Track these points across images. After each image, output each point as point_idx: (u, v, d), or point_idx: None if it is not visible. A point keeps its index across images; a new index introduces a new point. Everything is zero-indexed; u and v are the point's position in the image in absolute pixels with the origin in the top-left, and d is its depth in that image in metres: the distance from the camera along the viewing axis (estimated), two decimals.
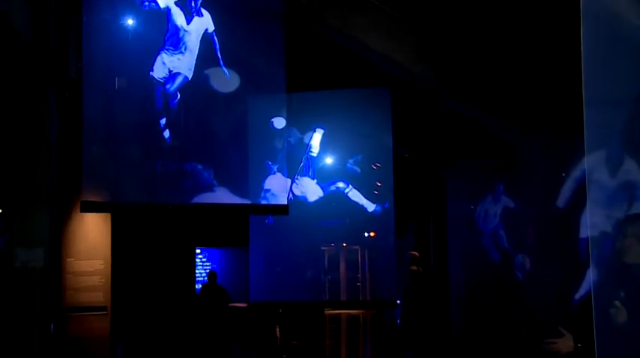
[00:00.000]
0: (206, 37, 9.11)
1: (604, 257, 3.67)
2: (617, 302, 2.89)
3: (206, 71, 9.19)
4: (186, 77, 9.05)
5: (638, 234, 3.02)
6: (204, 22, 9.11)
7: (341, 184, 10.64)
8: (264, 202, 9.46)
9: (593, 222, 3.65)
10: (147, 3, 8.85)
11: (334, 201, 10.70)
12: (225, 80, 9.31)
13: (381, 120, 10.53)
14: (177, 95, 9.10)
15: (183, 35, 9.02)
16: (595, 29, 3.63)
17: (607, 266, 3.66)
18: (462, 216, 11.83)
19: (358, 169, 10.60)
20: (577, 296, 7.17)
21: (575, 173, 7.64)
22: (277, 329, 10.53)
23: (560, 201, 7.98)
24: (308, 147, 10.59)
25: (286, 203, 9.56)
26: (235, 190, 9.28)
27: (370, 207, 10.56)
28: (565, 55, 4.72)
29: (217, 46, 9.13)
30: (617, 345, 3.52)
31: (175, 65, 9.02)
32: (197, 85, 9.16)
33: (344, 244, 10.70)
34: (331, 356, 9.83)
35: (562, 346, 3.27)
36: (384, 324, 11.17)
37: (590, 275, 3.62)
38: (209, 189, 9.18)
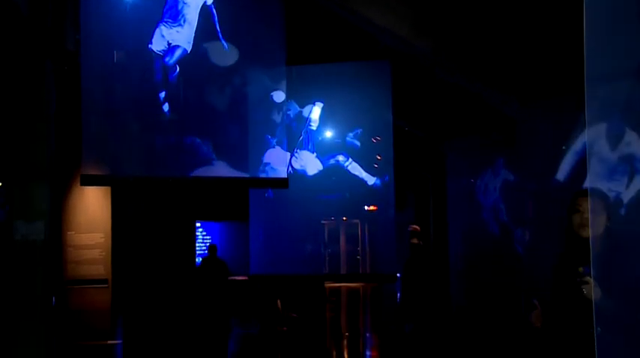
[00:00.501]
0: (205, 10, 9.04)
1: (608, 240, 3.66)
2: (588, 278, 2.95)
3: (205, 44, 9.13)
4: (185, 50, 8.99)
5: (594, 209, 3.02)
6: None
7: (341, 158, 10.62)
8: (263, 176, 9.45)
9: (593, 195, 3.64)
10: None
11: (334, 174, 10.69)
12: (225, 53, 9.25)
13: (381, 94, 10.48)
14: (176, 68, 9.05)
15: (182, 7, 8.95)
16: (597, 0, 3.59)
17: (606, 239, 3.65)
18: (462, 190, 11.83)
19: (358, 143, 10.57)
20: None
21: (576, 146, 7.62)
22: (279, 302, 10.56)
23: (561, 175, 7.97)
24: (307, 120, 10.55)
25: (286, 176, 9.54)
26: (235, 163, 9.26)
27: (370, 180, 10.56)
28: (567, 28, 4.68)
29: (216, 19, 9.06)
30: (616, 318, 3.52)
31: (174, 38, 8.96)
32: (196, 58, 9.10)
33: (344, 218, 10.71)
34: (331, 329, 9.89)
35: (535, 319, 3.36)
36: (384, 297, 11.22)
37: (590, 248, 3.61)
38: (208, 162, 9.17)
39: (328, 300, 9.96)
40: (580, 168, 7.35)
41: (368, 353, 9.45)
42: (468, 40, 8.74)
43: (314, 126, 10.66)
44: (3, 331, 7.37)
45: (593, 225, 3.12)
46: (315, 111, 10.63)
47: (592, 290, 2.95)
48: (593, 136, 3.66)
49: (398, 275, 10.55)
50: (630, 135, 3.61)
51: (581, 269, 3.01)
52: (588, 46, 3.53)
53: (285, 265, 10.55)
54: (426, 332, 9.30)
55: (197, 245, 13.42)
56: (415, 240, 9.80)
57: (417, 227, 10.33)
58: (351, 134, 10.64)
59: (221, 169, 9.25)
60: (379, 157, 10.52)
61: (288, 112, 9.99)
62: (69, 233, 9.26)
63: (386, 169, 10.49)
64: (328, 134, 10.72)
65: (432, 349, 8.68)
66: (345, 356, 9.23)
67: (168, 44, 8.93)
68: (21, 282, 7.39)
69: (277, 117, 9.55)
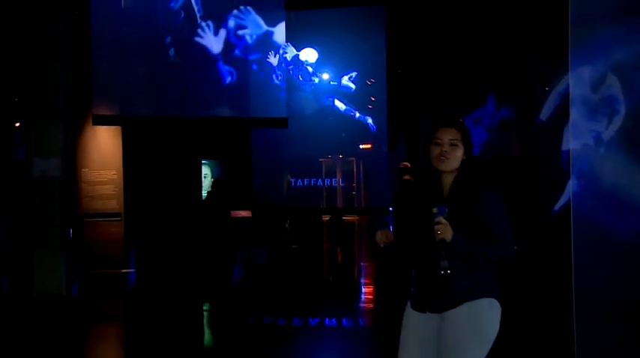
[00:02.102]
0: None
1: (584, 169, 3.71)
2: (442, 218, 2.68)
3: None
4: None
5: (452, 142, 2.78)
6: None
7: (337, 100, 10.60)
8: (263, 116, 9.47)
9: (575, 135, 3.69)
10: None
11: (331, 115, 10.68)
12: None
13: (376, 38, 10.39)
14: (181, 13, 8.96)
15: None
16: None
17: (586, 177, 3.71)
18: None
19: (354, 85, 10.53)
20: (557, 206, 7.27)
21: (559, 88, 7.62)
22: (287, 226, 10.61)
23: (544, 114, 7.98)
24: (304, 63, 10.48)
25: (285, 116, 9.56)
26: (237, 104, 9.29)
27: (365, 120, 10.57)
28: None
29: None
30: (593, 251, 3.62)
31: None
32: (199, 2, 9.03)
33: (340, 156, 10.76)
34: (328, 259, 10.03)
35: (385, 238, 3.04)
36: (377, 229, 11.33)
37: (571, 186, 3.68)
38: (212, 103, 9.20)
39: (326, 232, 10.07)
40: (564, 108, 7.37)
41: (362, 280, 9.63)
42: None
43: (311, 69, 10.60)
44: (26, 260, 7.51)
45: (448, 156, 2.76)
46: (312, 55, 10.55)
47: (447, 231, 2.68)
48: (576, 78, 3.69)
49: (390, 209, 10.64)
50: (611, 78, 3.64)
51: (435, 210, 2.71)
52: None
53: (285, 200, 10.65)
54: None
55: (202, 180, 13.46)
56: (406, 177, 9.84)
57: (407, 164, 10.37)
58: (346, 76, 10.59)
59: (224, 110, 9.28)
60: (373, 99, 10.51)
61: (285, 55, 9.89)
62: (83, 170, 9.32)
63: (380, 110, 10.48)
64: (325, 76, 10.66)
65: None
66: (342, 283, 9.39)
67: None
68: (40, 215, 7.49)
69: (276, 60, 9.52)
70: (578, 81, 3.70)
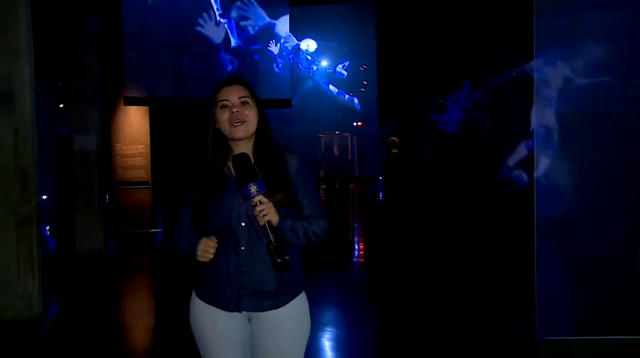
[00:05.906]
0: None
1: (549, 148, 3.77)
2: (262, 197, 1.86)
3: None
4: None
5: (243, 100, 2.01)
6: None
7: (331, 85, 10.62)
8: (271, 97, 9.53)
9: (539, 116, 3.76)
10: None
11: (328, 97, 10.72)
12: None
13: (367, 30, 10.40)
14: (200, 7, 9.00)
15: None
16: None
17: (550, 155, 3.77)
18: (434, 107, 11.86)
19: (346, 72, 10.55)
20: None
21: (525, 75, 7.62)
22: None
23: (512, 98, 8.00)
24: (304, 52, 10.48)
25: (290, 97, 9.60)
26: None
27: (352, 101, 10.61)
28: None
29: None
30: (556, 225, 3.69)
31: None
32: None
33: (337, 132, 10.82)
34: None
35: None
36: (368, 194, 11.44)
37: (538, 161, 3.74)
38: None
39: (325, 197, 10.16)
40: (529, 92, 7.38)
41: (356, 238, 9.74)
42: None
43: (310, 57, 10.61)
44: (69, 222, 7.61)
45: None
46: (312, 45, 10.55)
47: (272, 212, 1.87)
48: (540, 66, 3.74)
49: (380, 178, 10.74)
50: (568, 69, 3.69)
51: (254, 188, 1.85)
52: None
53: None
54: (404, 223, 9.56)
55: None
56: (394, 150, 9.91)
57: (395, 139, 10.43)
58: (340, 65, 10.60)
59: None
60: (365, 83, 10.54)
61: (286, 44, 9.90)
62: (117, 144, 9.37)
63: (371, 93, 10.53)
64: (323, 64, 10.67)
65: (409, 234, 8.98)
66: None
67: None
68: (81, 183, 7.57)
69: (282, 50, 9.54)
70: (541, 69, 3.75)
